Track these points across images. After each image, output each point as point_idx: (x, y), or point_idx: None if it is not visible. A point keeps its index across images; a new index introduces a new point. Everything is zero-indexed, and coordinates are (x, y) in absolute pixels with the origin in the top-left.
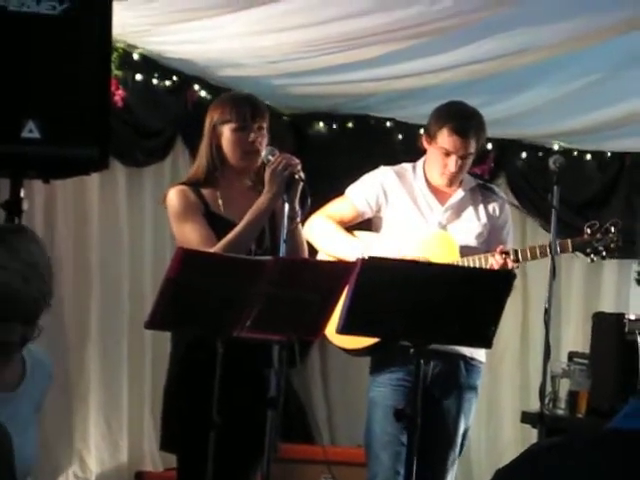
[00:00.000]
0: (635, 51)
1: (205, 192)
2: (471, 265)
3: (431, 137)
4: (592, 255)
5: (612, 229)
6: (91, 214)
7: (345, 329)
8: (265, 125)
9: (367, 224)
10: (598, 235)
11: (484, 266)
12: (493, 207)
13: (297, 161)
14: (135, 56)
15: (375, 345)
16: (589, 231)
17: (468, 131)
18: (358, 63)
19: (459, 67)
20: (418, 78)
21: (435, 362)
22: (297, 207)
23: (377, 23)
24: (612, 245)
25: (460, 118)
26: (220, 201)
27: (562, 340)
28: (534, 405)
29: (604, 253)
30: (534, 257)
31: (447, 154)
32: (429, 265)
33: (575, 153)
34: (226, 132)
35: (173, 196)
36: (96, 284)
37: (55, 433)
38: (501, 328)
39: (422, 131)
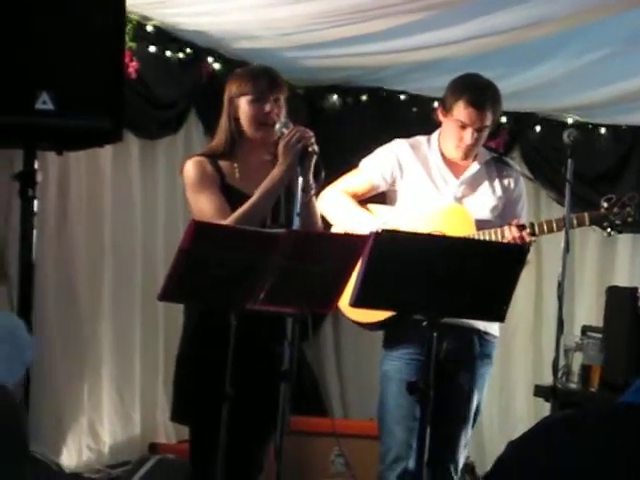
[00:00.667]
0: None
1: (223, 164)
2: (487, 239)
3: (447, 110)
4: (609, 229)
5: (630, 202)
6: (104, 186)
7: (358, 302)
8: (282, 97)
9: (381, 197)
10: (615, 209)
11: (500, 239)
12: (508, 180)
13: (311, 134)
14: (149, 28)
15: (389, 319)
16: (606, 205)
17: (484, 103)
18: (371, 35)
19: (471, 40)
20: (430, 51)
21: (448, 336)
22: (311, 180)
23: None
24: (629, 219)
25: (476, 90)
26: (237, 173)
27: (576, 314)
28: (547, 379)
29: (620, 228)
30: (550, 230)
31: (463, 127)
32: (442, 238)
33: (589, 127)
34: (243, 104)
35: (190, 167)
36: (109, 256)
37: (68, 405)
38: (514, 302)
39: (437, 104)
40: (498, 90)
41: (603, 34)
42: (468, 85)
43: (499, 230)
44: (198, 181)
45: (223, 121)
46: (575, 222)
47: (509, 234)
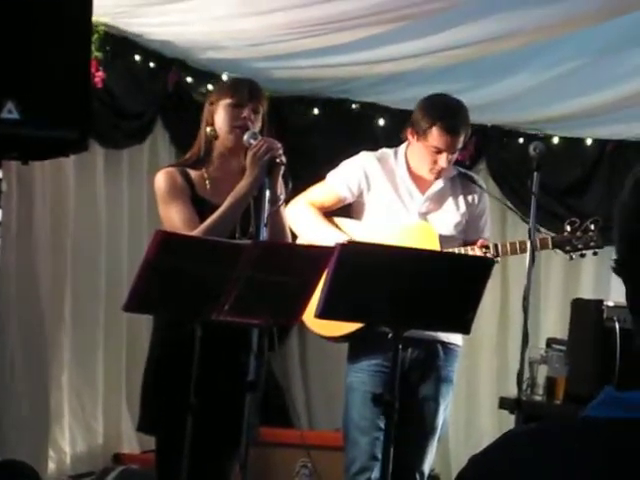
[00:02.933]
0: (614, 39)
1: (193, 174)
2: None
3: (419, 134)
4: (571, 253)
5: (592, 227)
6: (68, 195)
7: (324, 313)
8: (261, 109)
9: (347, 209)
10: (578, 233)
11: None
12: (472, 196)
13: (278, 145)
14: (116, 38)
15: (353, 333)
16: (569, 228)
17: (459, 128)
18: (339, 47)
19: (440, 52)
20: (399, 63)
21: (412, 348)
22: (279, 191)
23: (357, 6)
24: (592, 243)
25: (450, 116)
26: (208, 184)
27: (541, 326)
28: (512, 391)
29: (584, 251)
30: (514, 252)
31: (438, 152)
32: (408, 250)
33: (556, 140)
34: (220, 108)
35: (160, 178)
36: (72, 266)
37: (31, 415)
38: (480, 314)
39: (407, 125)
40: (467, 110)
41: (568, 48)
42: (441, 110)
43: (463, 249)
44: (168, 192)
45: (201, 130)
46: (538, 245)
47: (472, 254)
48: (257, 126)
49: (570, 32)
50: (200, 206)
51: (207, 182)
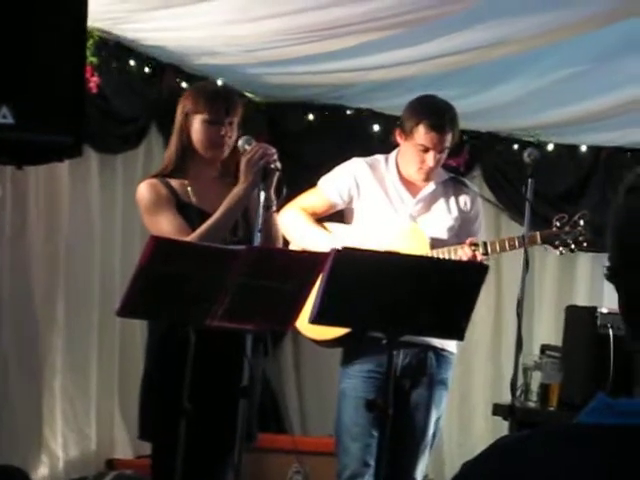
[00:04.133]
0: (610, 46)
1: (174, 183)
2: (440, 257)
3: (406, 133)
4: (561, 248)
5: (580, 222)
6: (62, 200)
7: (318, 319)
8: (237, 120)
9: (339, 215)
10: (566, 228)
11: (453, 258)
12: (464, 200)
13: (273, 151)
14: (111, 43)
15: (344, 336)
16: (558, 224)
17: (445, 126)
18: (333, 53)
19: (434, 59)
20: (394, 69)
21: (404, 353)
22: (272, 197)
23: (352, 13)
24: (580, 238)
25: (435, 113)
26: (190, 192)
27: (535, 333)
28: (506, 397)
29: (573, 246)
30: (503, 249)
31: (425, 150)
32: (403, 256)
33: (550, 146)
34: (196, 123)
35: (144, 190)
36: (66, 271)
37: (23, 421)
38: (474, 320)
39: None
40: (456, 110)
41: (564, 55)
42: (427, 108)
43: (452, 249)
44: (154, 203)
45: (174, 137)
46: (527, 241)
47: (461, 252)
48: (234, 136)
49: (565, 39)
50: (187, 213)
51: (189, 189)
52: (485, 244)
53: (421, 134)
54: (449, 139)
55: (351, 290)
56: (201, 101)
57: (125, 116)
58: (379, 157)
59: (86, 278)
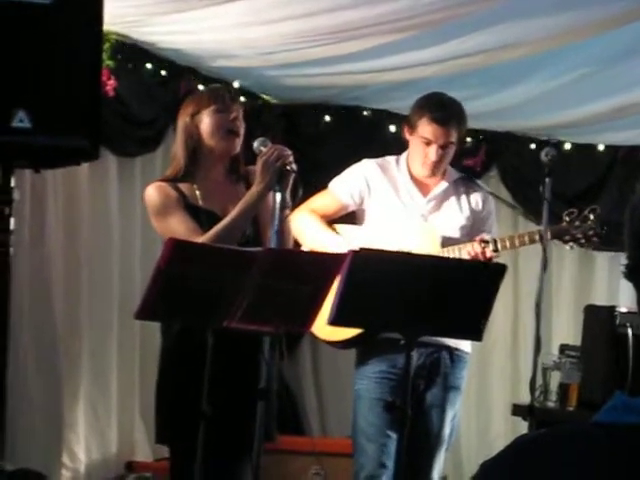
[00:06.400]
0: (625, 44)
1: (182, 187)
2: (450, 255)
3: (412, 127)
4: (570, 243)
5: (590, 216)
6: (81, 204)
7: (336, 320)
8: (241, 113)
9: (350, 217)
10: (576, 222)
11: (463, 254)
12: (476, 199)
13: (289, 152)
14: (127, 46)
15: (355, 337)
16: (567, 219)
17: (448, 119)
18: (349, 55)
19: (448, 60)
20: (408, 71)
21: (419, 353)
22: (288, 198)
23: (367, 15)
24: (590, 232)
25: (439, 107)
26: (198, 194)
27: (553, 333)
28: (525, 397)
29: (582, 241)
30: (513, 246)
31: (428, 143)
32: (421, 257)
33: (568, 146)
34: (205, 117)
35: (152, 192)
36: (86, 275)
37: (44, 424)
38: (492, 320)
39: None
40: (462, 107)
41: (579, 55)
42: (431, 103)
43: (462, 246)
44: (163, 205)
45: (179, 144)
46: (537, 237)
47: (471, 249)
48: (242, 128)
49: (582, 40)
50: (196, 214)
51: (197, 192)
52: (495, 241)
53: (424, 127)
54: (453, 134)
55: (369, 291)
56: (204, 97)
57: (142, 119)
58: (389, 158)
59: (106, 282)
